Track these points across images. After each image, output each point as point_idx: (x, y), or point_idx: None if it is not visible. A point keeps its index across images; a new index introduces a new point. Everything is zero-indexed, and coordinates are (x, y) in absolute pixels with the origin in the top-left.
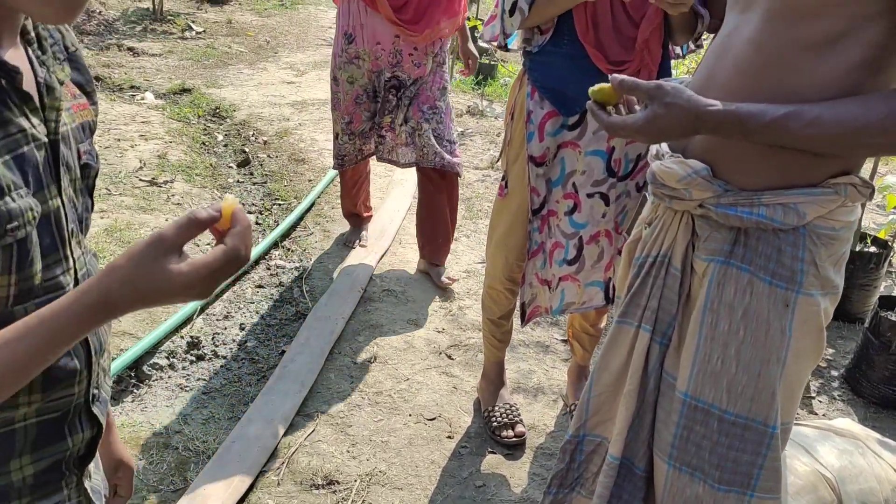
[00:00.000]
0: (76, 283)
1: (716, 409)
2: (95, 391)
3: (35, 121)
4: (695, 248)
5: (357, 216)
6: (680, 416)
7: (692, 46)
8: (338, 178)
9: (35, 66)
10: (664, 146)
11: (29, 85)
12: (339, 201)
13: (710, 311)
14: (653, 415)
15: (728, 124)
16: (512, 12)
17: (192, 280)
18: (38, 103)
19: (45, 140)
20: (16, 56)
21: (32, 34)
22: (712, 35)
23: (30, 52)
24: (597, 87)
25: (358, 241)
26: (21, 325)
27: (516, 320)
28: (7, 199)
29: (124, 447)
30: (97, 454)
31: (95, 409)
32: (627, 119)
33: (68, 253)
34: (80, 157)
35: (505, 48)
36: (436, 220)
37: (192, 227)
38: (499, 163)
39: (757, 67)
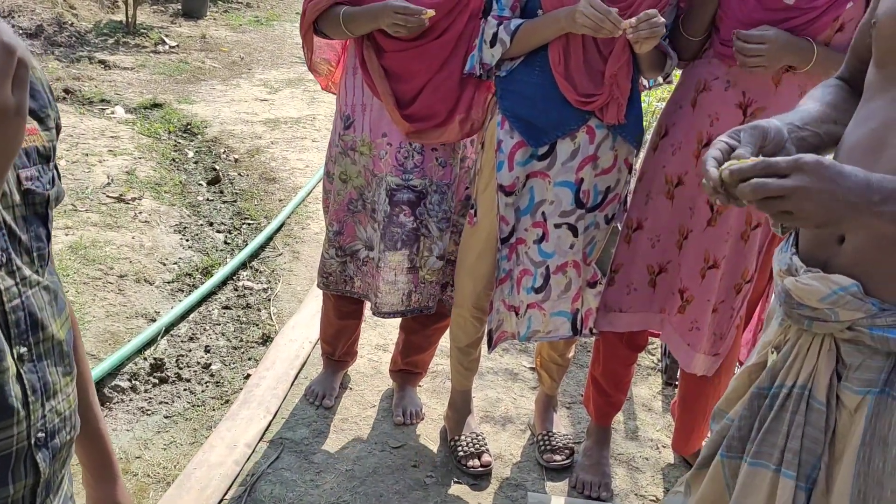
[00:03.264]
0: (3, 315)
1: None
2: (41, 435)
3: None
4: (840, 378)
5: (335, 361)
6: None
7: (660, 81)
8: (312, 200)
9: None
10: (796, 259)
11: None
12: (309, 221)
13: (864, 446)
14: None
15: None
16: (493, 43)
17: None
18: None
19: None
20: None
21: None
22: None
23: None
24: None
25: (325, 397)
26: None
27: (484, 348)
28: None
29: (127, 498)
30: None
31: (38, 456)
32: (790, 157)
33: None
34: (20, 183)
35: (480, 77)
36: (415, 346)
37: None
38: (467, 190)
39: None
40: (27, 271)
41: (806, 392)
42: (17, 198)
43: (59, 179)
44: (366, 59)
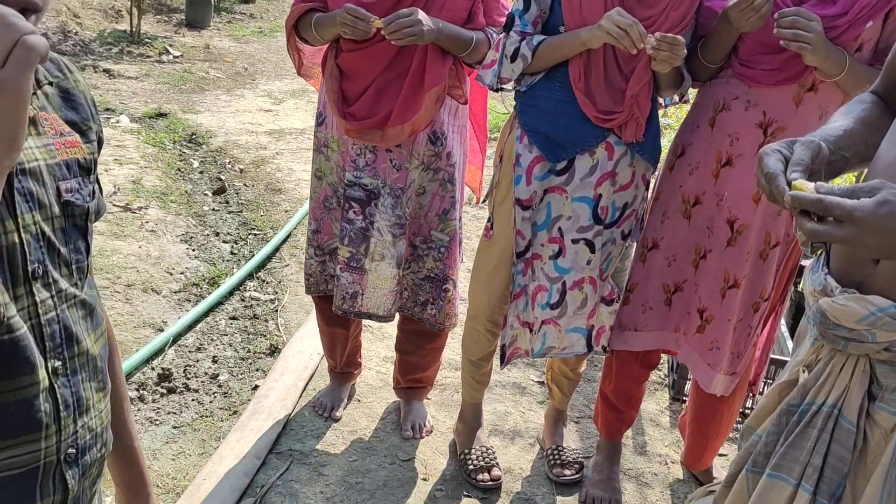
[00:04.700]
0: (38, 328)
1: None
2: (71, 451)
3: None
4: (873, 398)
5: (339, 373)
6: None
7: (676, 99)
8: None
9: None
10: (831, 280)
11: None
12: None
13: (893, 465)
14: None
15: None
16: (514, 58)
17: None
18: None
19: None
20: None
21: None
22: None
23: None
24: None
25: (333, 409)
26: None
27: (496, 361)
28: None
29: None
30: None
31: (69, 473)
32: (848, 202)
33: (23, 293)
34: (59, 195)
35: (498, 90)
36: (413, 366)
37: None
38: (485, 203)
39: None
40: (64, 284)
41: (836, 411)
42: (56, 210)
43: (101, 193)
44: (328, 57)
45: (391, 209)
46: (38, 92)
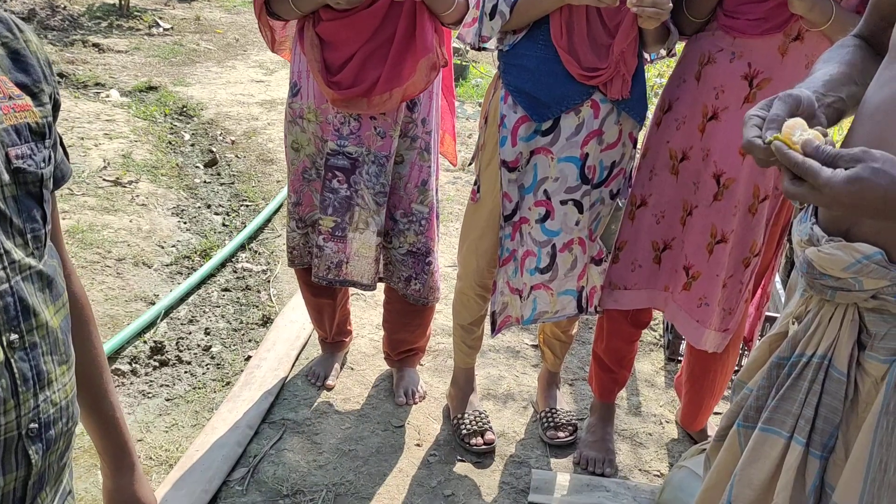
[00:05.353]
0: None
1: None
2: (33, 426)
3: None
4: (863, 347)
5: (329, 343)
6: None
7: (663, 54)
8: None
9: None
10: (817, 229)
11: None
12: None
13: (887, 415)
14: None
15: None
16: (492, 16)
17: None
18: None
19: None
20: None
21: None
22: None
23: None
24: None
25: (326, 377)
26: None
27: (487, 327)
28: None
29: (147, 493)
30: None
31: (31, 448)
32: (824, 172)
33: None
34: (9, 162)
35: (480, 49)
36: (401, 341)
37: None
38: (471, 166)
39: None
40: (18, 255)
41: (825, 362)
42: (6, 177)
43: (67, 157)
44: (304, 27)
45: (375, 177)
46: None
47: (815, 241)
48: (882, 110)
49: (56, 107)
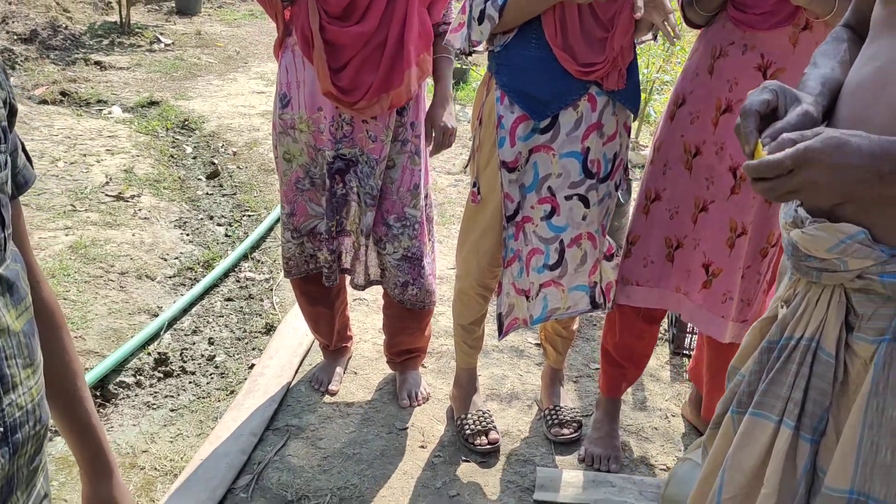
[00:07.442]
0: None
1: None
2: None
3: None
4: (851, 329)
5: (331, 350)
6: None
7: (649, 37)
8: None
9: None
10: (802, 211)
11: None
12: None
13: (876, 396)
14: None
15: None
16: (481, 20)
17: None
18: None
19: None
20: None
21: None
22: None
23: None
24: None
25: (329, 383)
26: None
27: (489, 326)
28: None
29: (126, 498)
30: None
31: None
32: (797, 147)
33: None
34: None
35: (469, 54)
36: (401, 344)
37: None
38: (467, 168)
39: None
40: None
41: (813, 344)
42: None
43: (30, 163)
44: (311, 26)
45: (366, 177)
46: None
47: (799, 222)
48: (863, 87)
49: (12, 112)
